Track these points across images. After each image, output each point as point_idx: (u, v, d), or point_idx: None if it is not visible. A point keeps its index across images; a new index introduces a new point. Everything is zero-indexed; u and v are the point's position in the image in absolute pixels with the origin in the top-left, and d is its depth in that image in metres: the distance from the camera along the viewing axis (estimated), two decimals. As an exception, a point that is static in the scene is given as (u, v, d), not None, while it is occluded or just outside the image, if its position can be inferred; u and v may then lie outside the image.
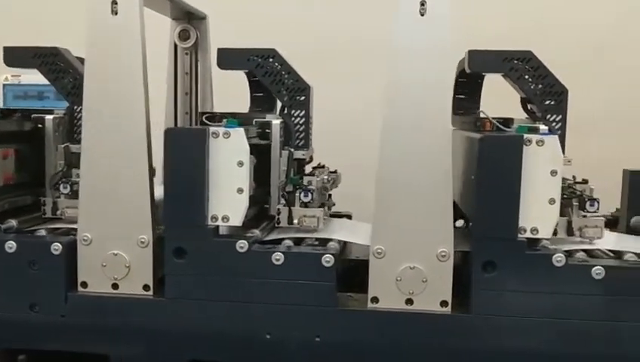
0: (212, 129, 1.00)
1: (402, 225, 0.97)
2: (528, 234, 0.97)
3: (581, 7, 1.86)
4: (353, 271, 1.11)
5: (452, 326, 0.97)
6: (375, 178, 1.00)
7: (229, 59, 1.21)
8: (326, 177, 1.21)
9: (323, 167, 1.33)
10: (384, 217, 0.98)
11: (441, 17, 0.97)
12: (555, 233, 1.06)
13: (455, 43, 1.17)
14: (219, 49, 1.25)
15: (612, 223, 1.35)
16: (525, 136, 0.96)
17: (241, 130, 1.00)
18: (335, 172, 1.35)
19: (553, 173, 0.96)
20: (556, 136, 0.97)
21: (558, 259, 0.95)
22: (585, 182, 1.11)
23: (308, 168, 1.30)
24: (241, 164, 1.00)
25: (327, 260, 0.98)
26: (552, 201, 0.96)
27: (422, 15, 0.97)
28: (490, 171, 0.95)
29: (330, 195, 1.30)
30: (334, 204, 1.33)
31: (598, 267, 0.94)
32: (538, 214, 0.97)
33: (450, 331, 0.97)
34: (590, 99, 1.78)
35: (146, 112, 1.01)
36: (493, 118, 1.15)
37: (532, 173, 0.96)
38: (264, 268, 0.99)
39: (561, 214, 1.07)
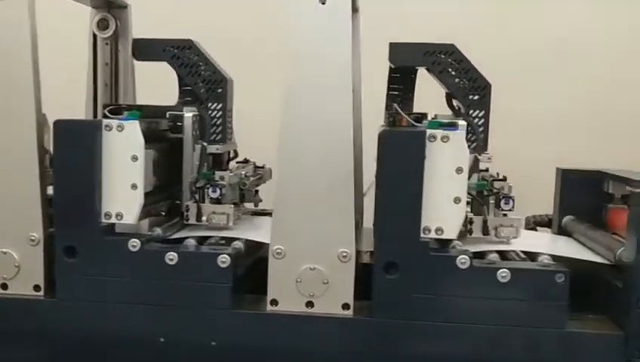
0: (105, 121, 0.96)
1: (302, 225, 0.93)
2: (433, 235, 0.92)
3: (526, 6, 1.81)
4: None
5: (353, 330, 0.93)
6: (275, 176, 0.96)
7: (144, 49, 1.17)
8: (245, 172, 1.16)
9: (247, 161, 1.29)
10: (283, 216, 0.94)
11: (343, 5, 0.92)
12: (470, 232, 1.02)
13: (396, 38, 1.15)
14: (134, 39, 1.20)
15: (547, 224, 1.31)
16: (429, 131, 0.91)
17: (135, 122, 0.96)
18: (263, 167, 1.31)
19: (459, 170, 0.92)
20: (462, 132, 0.93)
21: (462, 261, 0.90)
22: (504, 179, 1.06)
23: (233, 164, 1.27)
24: (135, 158, 0.95)
25: (223, 261, 0.93)
26: (457, 200, 0.92)
27: (322, 3, 0.92)
28: (390, 167, 0.90)
29: (256, 191, 1.26)
30: (261, 200, 1.29)
31: (504, 270, 0.90)
32: (443, 214, 0.92)
33: (351, 334, 0.93)
34: (538, 99, 1.75)
35: (36, 104, 0.97)
36: (411, 114, 1.12)
37: (436, 170, 0.91)
38: (156, 268, 0.94)
39: (478, 213, 1.04)
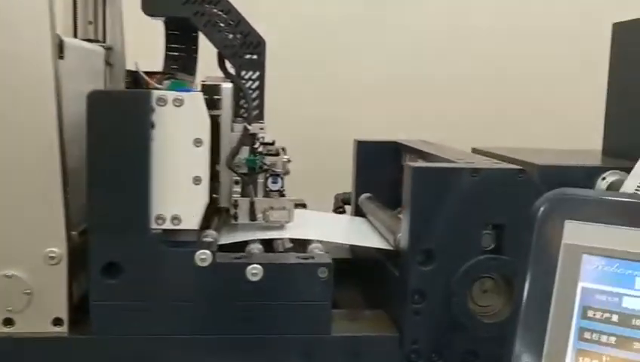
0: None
1: (-8, 220, 0.71)
2: (168, 225, 0.73)
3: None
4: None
5: (67, 351, 0.72)
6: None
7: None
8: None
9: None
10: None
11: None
12: (235, 218, 0.84)
13: None
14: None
15: (346, 202, 1.17)
16: (157, 93, 0.72)
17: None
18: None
19: (198, 142, 0.73)
20: (200, 94, 0.74)
21: (202, 257, 0.71)
22: (276, 153, 0.89)
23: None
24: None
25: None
26: (197, 180, 0.73)
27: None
28: (103, 140, 0.69)
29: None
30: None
31: (255, 266, 0.72)
32: (180, 198, 0.73)
33: (66, 357, 0.72)
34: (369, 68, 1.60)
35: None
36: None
37: (169, 142, 0.72)
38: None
39: (244, 194, 0.86)
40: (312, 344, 0.73)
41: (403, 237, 0.75)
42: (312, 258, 0.75)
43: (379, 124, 1.42)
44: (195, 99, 0.72)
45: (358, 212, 1.06)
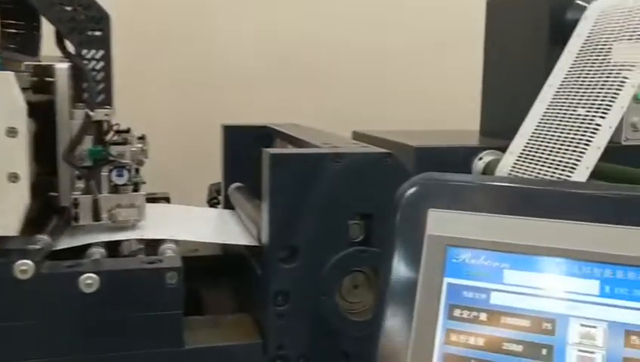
0: None
1: None
2: (-19, 232, 0.61)
3: None
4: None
5: None
6: None
7: None
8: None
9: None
10: None
11: None
12: (76, 219, 0.73)
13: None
14: None
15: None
16: (-45, 74, 0.59)
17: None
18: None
19: (11, 132, 0.61)
20: (10, 75, 0.62)
21: (23, 269, 0.60)
22: (123, 142, 0.78)
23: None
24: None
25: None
26: (13, 177, 0.61)
27: None
28: None
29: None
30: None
31: (89, 275, 0.62)
32: (-6, 199, 0.61)
33: None
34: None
35: None
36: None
37: (-25, 133, 0.60)
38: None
39: (87, 191, 0.75)
40: (164, 359, 0.64)
41: (264, 232, 0.67)
42: (160, 261, 0.65)
43: (253, 109, 1.34)
44: (4, 81, 0.60)
45: (228, 203, 0.97)
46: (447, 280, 0.49)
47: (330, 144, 0.72)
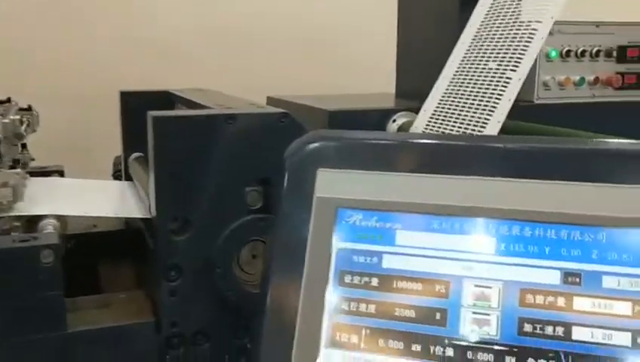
0: None
1: None
2: None
3: None
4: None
5: None
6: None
7: None
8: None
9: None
10: None
11: None
12: None
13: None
14: None
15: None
16: None
17: None
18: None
19: None
20: None
21: None
22: (-5, 112, 0.71)
23: None
24: None
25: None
26: None
27: None
28: None
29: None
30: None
31: None
32: None
33: None
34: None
35: None
36: None
37: None
38: None
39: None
40: (46, 344, 0.58)
41: (152, 202, 0.62)
42: (35, 238, 0.59)
43: (169, 76, 1.26)
44: None
45: (129, 175, 0.91)
46: (337, 244, 0.45)
47: (224, 105, 0.67)
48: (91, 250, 0.82)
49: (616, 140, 0.43)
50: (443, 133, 0.80)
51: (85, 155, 1.18)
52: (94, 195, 0.80)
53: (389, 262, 0.44)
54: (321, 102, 1.04)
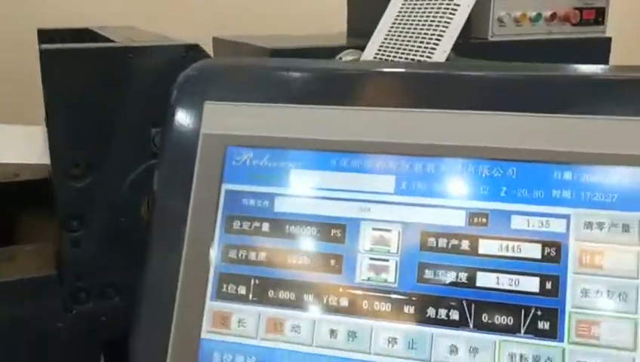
0: None
1: None
2: None
3: None
4: None
5: None
6: None
7: None
8: None
9: None
10: None
11: None
12: None
13: None
14: None
15: None
16: None
17: None
18: None
19: None
20: None
21: None
22: None
23: None
24: None
25: None
26: None
27: None
28: None
29: None
30: None
31: None
32: None
33: None
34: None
35: None
36: None
37: None
38: None
39: None
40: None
41: (49, 146, 0.57)
42: None
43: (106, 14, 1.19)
44: None
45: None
46: (225, 186, 0.40)
47: (130, 37, 0.61)
48: (11, 199, 0.77)
49: (524, 64, 0.38)
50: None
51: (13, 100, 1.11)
52: (7, 142, 0.74)
53: (281, 205, 0.39)
54: (265, 41, 0.98)
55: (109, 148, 0.56)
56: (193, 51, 0.56)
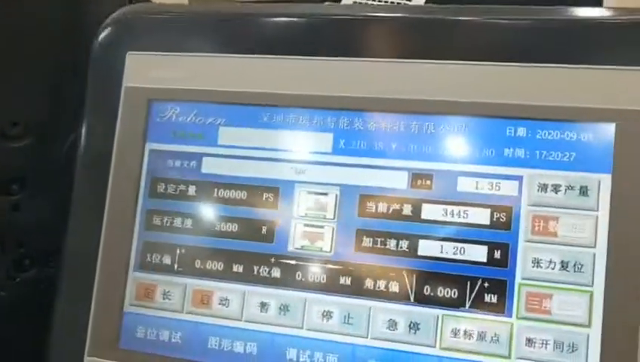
0: None
1: None
2: None
3: None
4: None
5: None
6: None
7: None
8: None
9: None
10: None
11: None
12: None
13: None
14: None
15: None
16: None
17: None
18: None
19: None
20: None
21: None
22: None
23: None
24: None
25: None
26: None
27: None
28: None
29: None
30: None
31: None
32: None
33: None
34: None
35: None
36: None
37: None
38: None
39: None
40: None
41: (-16, 104, 0.53)
42: None
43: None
44: None
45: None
46: (149, 146, 0.37)
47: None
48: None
49: (486, 8, 0.34)
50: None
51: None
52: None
53: (209, 166, 0.36)
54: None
55: (51, 103, 0.52)
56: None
